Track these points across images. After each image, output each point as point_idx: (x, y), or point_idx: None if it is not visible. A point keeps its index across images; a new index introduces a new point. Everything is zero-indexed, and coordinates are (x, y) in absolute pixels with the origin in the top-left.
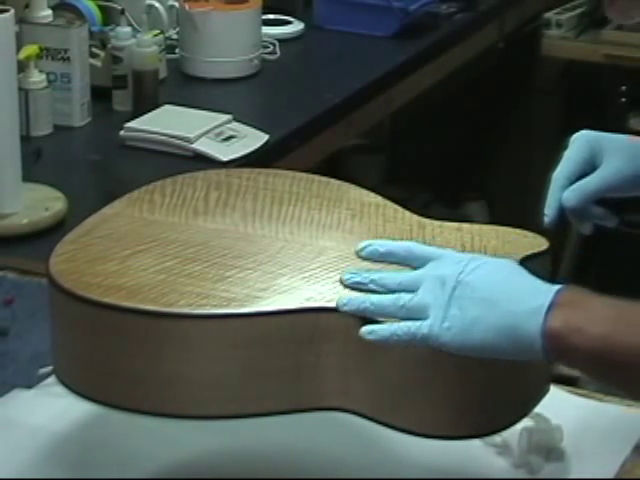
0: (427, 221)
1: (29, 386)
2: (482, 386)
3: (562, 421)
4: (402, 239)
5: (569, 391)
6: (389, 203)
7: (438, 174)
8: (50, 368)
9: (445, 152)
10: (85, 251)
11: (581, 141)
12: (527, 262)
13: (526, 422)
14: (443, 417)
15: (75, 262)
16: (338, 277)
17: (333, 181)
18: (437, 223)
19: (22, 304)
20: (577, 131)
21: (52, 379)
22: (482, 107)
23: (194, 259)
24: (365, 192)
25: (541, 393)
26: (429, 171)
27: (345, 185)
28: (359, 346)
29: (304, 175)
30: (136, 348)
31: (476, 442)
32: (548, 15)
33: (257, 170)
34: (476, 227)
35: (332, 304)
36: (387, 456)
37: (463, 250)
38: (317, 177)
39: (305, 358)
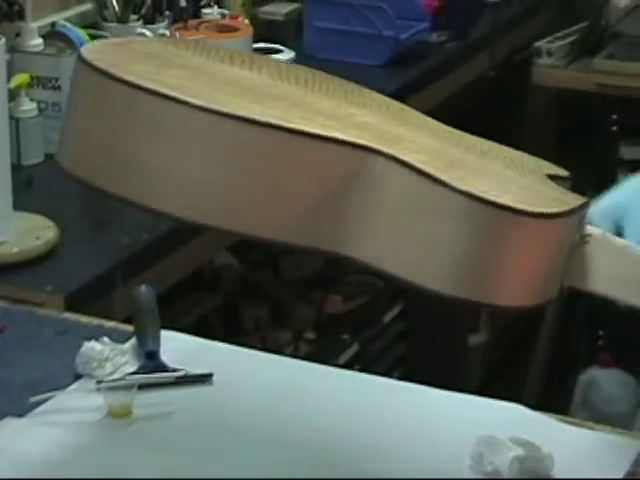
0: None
1: (20, 415)
2: (505, 253)
3: (553, 449)
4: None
5: (560, 419)
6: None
7: None
8: (41, 396)
9: None
10: (120, 53)
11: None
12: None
13: (517, 450)
14: (464, 277)
15: (108, 57)
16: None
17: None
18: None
19: (13, 332)
20: (568, 159)
21: (43, 407)
22: (473, 135)
23: (230, 91)
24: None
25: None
26: None
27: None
28: (396, 198)
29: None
30: (143, 133)
31: (467, 470)
32: (539, 44)
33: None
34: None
35: (381, 147)
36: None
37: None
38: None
39: (334, 196)
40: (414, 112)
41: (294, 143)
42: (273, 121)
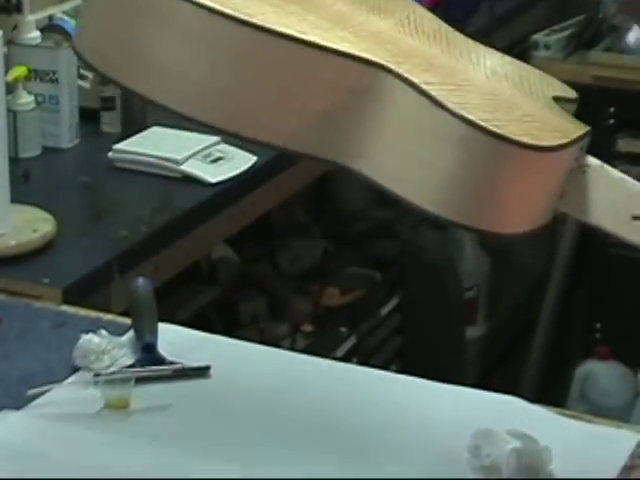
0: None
1: (17, 407)
2: (501, 182)
3: (551, 442)
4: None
5: (558, 412)
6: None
7: None
8: (39, 389)
9: None
10: None
11: None
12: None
13: (514, 443)
14: (459, 202)
15: None
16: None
17: None
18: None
19: (10, 325)
20: None
21: (41, 400)
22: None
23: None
24: None
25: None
26: None
27: None
28: (400, 117)
29: None
30: (156, 28)
31: (465, 463)
32: (536, 37)
33: None
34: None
35: (391, 65)
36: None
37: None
38: None
39: (342, 109)
40: (435, 20)
41: (306, 55)
42: (286, 31)
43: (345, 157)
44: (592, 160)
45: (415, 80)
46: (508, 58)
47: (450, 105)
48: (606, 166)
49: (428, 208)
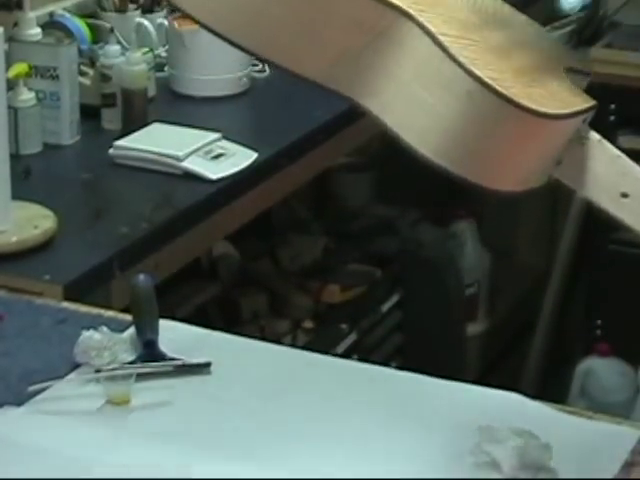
0: None
1: (18, 404)
2: (500, 141)
3: (551, 439)
4: None
5: (558, 409)
6: None
7: (426, 192)
8: (40, 385)
9: (433, 169)
10: None
11: None
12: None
13: (515, 440)
14: (458, 153)
15: None
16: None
17: None
18: None
19: (11, 322)
20: None
21: (42, 396)
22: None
23: None
24: None
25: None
26: (417, 189)
27: None
28: (413, 63)
29: None
30: None
31: (465, 460)
32: None
33: None
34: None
35: (413, 12)
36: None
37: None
38: None
39: (360, 46)
40: None
41: None
42: None
43: (357, 94)
44: (592, 133)
45: (433, 29)
46: (534, 29)
47: (461, 59)
48: (604, 141)
49: (426, 154)
